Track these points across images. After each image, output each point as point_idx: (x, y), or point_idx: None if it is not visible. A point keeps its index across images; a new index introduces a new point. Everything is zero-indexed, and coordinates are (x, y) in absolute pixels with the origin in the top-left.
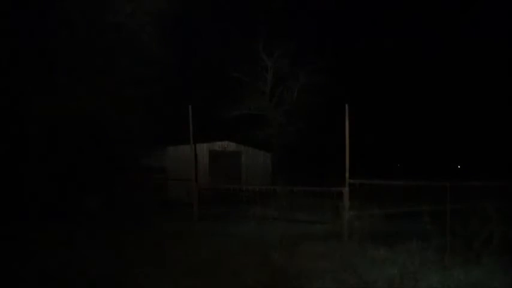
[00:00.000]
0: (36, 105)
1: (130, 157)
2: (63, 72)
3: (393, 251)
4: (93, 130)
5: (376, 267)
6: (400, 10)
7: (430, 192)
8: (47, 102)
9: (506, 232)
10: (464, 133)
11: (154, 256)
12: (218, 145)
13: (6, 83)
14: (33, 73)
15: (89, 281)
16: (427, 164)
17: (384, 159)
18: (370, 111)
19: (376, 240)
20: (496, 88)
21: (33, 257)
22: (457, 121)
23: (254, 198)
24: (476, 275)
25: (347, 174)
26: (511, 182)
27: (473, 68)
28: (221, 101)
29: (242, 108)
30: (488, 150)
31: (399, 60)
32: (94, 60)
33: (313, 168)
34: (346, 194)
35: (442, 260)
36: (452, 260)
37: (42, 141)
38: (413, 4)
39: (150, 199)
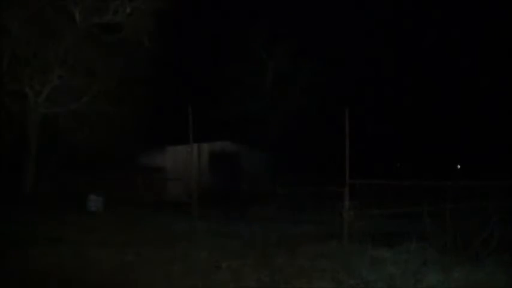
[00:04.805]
0: (35, 104)
1: (130, 157)
2: (63, 72)
3: (393, 251)
4: (92, 130)
5: (376, 267)
6: (400, 9)
7: (430, 192)
8: (46, 101)
9: (506, 232)
10: (464, 133)
11: (154, 256)
12: (218, 145)
13: (7, 82)
14: (33, 72)
15: (88, 281)
16: (427, 164)
17: (384, 159)
18: (370, 111)
19: (376, 240)
20: (496, 88)
21: (31, 255)
22: (457, 121)
23: (254, 198)
24: (476, 275)
25: (347, 174)
26: (511, 182)
27: (473, 67)
28: (221, 101)
29: (242, 108)
30: (488, 150)
31: (399, 59)
32: (94, 60)
33: (313, 169)
34: (346, 194)
35: (442, 260)
36: (452, 260)
37: (41, 141)
38: (414, 3)
39: (150, 199)
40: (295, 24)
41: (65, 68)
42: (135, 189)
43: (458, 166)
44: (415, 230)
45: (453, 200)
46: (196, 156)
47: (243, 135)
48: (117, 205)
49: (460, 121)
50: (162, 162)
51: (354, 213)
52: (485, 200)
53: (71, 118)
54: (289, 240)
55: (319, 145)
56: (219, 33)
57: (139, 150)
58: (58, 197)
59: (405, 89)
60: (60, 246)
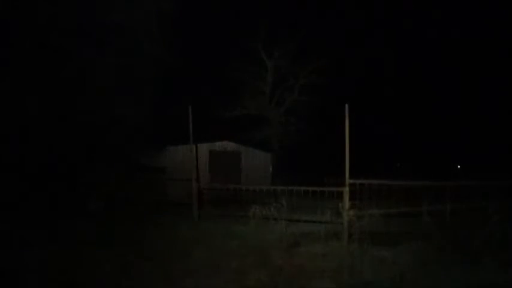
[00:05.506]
0: (34, 103)
1: (130, 157)
2: (62, 72)
3: (393, 251)
4: (92, 130)
5: (376, 267)
6: (400, 9)
7: (430, 192)
8: (46, 101)
9: (506, 232)
10: (464, 133)
11: (154, 256)
12: (218, 145)
13: (5, 81)
14: (33, 72)
15: (88, 281)
16: (427, 164)
17: (384, 159)
18: (370, 111)
19: (376, 240)
20: (496, 88)
21: (29, 254)
22: (457, 121)
23: (254, 198)
24: (476, 275)
25: (347, 174)
26: (511, 182)
27: (473, 67)
28: (221, 101)
29: (242, 108)
30: (488, 150)
31: (399, 59)
32: (93, 59)
33: (313, 169)
34: (346, 194)
35: (442, 260)
36: (452, 260)
37: (40, 140)
38: (414, 3)
39: (150, 199)
40: (294, 25)
41: (65, 67)
42: (136, 189)
43: (458, 166)
44: (415, 230)
45: (453, 200)
46: (196, 156)
47: (243, 135)
48: (118, 205)
49: (460, 121)
50: (163, 162)
51: (354, 213)
52: (485, 200)
53: (70, 118)
54: (289, 240)
55: (319, 145)
56: (219, 33)
57: (140, 150)
58: (57, 197)
59: (405, 89)
60: (59, 247)
